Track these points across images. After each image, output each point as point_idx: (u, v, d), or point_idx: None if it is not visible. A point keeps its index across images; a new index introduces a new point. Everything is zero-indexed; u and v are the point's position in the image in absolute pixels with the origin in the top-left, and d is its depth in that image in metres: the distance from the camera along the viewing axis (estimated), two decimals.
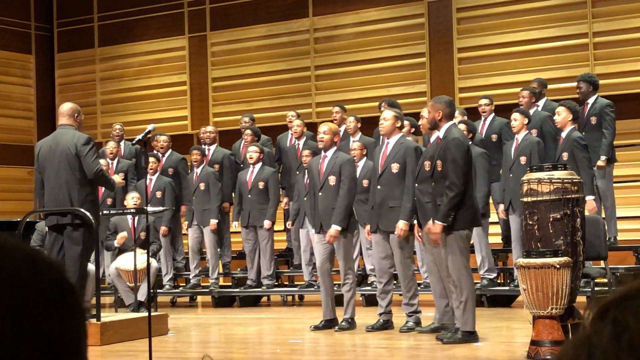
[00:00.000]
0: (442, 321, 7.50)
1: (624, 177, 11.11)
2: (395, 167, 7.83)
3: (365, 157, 9.08)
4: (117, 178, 8.38)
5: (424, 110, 7.44)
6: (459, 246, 6.86)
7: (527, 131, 9.39)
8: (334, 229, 8.00)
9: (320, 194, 8.25)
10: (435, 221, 6.84)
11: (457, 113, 9.96)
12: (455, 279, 6.86)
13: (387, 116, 7.99)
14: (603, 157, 9.48)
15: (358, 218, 8.84)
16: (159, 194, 11.18)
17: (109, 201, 10.93)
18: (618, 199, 10.20)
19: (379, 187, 7.89)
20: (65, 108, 8.02)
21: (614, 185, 10.02)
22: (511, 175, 9.30)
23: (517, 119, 9.36)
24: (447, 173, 6.85)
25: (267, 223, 10.71)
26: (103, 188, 10.58)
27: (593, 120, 9.72)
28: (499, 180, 9.90)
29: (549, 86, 10.93)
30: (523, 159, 9.15)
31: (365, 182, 8.74)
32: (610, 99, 10.19)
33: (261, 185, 10.75)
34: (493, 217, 10.00)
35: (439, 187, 6.92)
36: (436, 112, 7.07)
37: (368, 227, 8.13)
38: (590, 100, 9.85)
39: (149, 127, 6.42)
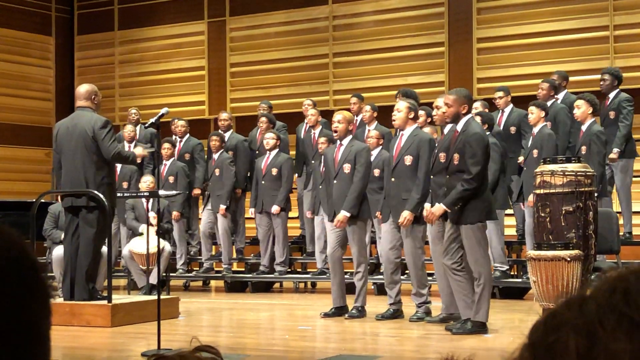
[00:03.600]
0: (449, 310, 7.49)
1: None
2: (408, 160, 7.81)
3: (381, 147, 9.04)
4: (139, 150, 8.36)
5: (438, 100, 7.38)
6: (476, 238, 6.84)
7: (544, 123, 9.33)
8: (343, 214, 8.01)
9: (334, 182, 8.25)
10: (441, 204, 6.84)
11: (478, 104, 9.94)
12: (474, 270, 6.86)
13: (401, 107, 7.95)
14: (616, 150, 9.41)
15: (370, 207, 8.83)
16: (171, 179, 11.24)
17: (125, 185, 10.98)
18: (634, 194, 10.12)
19: (392, 179, 7.88)
20: (82, 90, 8.04)
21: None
22: (525, 168, 9.28)
23: (533, 112, 9.30)
24: (466, 167, 6.80)
25: (275, 208, 10.73)
26: (119, 171, 10.67)
27: (612, 114, 9.64)
28: (517, 172, 9.86)
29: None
30: (535, 152, 9.09)
31: (376, 172, 8.70)
32: (630, 92, 10.10)
33: (274, 171, 10.77)
34: (508, 210, 9.95)
35: (454, 181, 6.90)
36: (460, 106, 6.99)
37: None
38: (612, 95, 9.78)
39: (162, 110, 6.43)
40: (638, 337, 0.77)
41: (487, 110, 9.88)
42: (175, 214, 11.11)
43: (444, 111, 7.12)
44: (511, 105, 10.39)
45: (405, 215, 7.61)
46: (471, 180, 6.77)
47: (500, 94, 10.40)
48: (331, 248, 8.28)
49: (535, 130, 9.30)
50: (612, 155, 9.41)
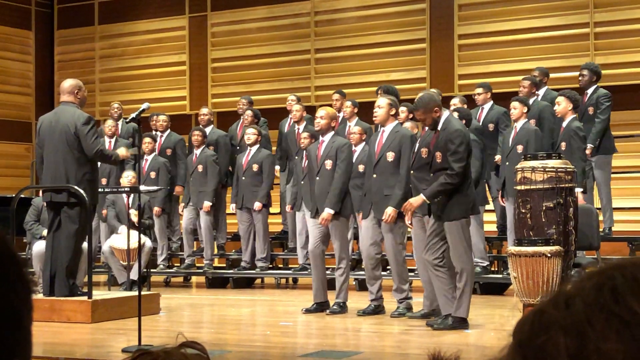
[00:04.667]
0: (432, 307, 7.51)
1: (621, 168, 11.09)
2: (390, 156, 7.81)
3: (364, 142, 9.04)
4: (123, 151, 8.31)
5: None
6: (459, 234, 6.84)
7: (526, 120, 9.36)
8: (327, 212, 8.01)
9: (317, 178, 8.25)
10: (421, 194, 6.83)
11: (457, 100, 9.96)
12: (457, 266, 6.86)
13: (382, 104, 7.97)
14: (589, 145, 9.47)
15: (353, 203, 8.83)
16: (152, 175, 11.21)
17: (103, 181, 10.92)
18: (614, 190, 10.19)
19: (374, 175, 7.87)
20: (66, 85, 8.01)
21: (611, 175, 10.00)
22: (507, 163, 9.28)
23: (516, 108, 9.31)
24: (449, 164, 6.79)
25: (257, 205, 10.71)
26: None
27: (590, 110, 9.69)
28: (495, 169, 9.89)
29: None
30: (520, 148, 9.11)
31: (361, 167, 8.68)
32: (610, 89, 10.16)
33: (255, 167, 10.75)
34: (488, 206, 10.00)
35: (437, 179, 6.89)
36: (431, 112, 6.96)
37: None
38: (590, 90, 9.82)
39: (143, 105, 6.41)
40: (628, 337, 0.76)
41: (465, 106, 9.90)
42: (156, 209, 11.08)
43: (424, 125, 7.13)
44: (491, 102, 10.41)
45: (389, 212, 7.61)
46: (454, 175, 6.77)
47: (480, 90, 10.40)
48: (313, 244, 8.28)
49: (518, 126, 9.32)
50: (586, 151, 9.46)
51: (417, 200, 6.88)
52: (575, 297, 0.80)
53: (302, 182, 9.51)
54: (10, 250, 0.88)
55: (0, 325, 0.85)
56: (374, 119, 8.09)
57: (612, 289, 0.79)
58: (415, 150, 7.33)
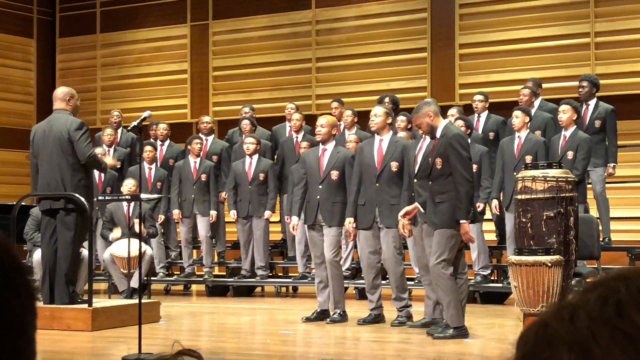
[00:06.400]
0: (433, 316, 7.50)
1: (621, 177, 11.09)
2: (394, 166, 7.79)
3: None
4: (110, 160, 8.34)
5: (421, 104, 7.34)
6: (447, 242, 6.85)
7: (529, 130, 9.35)
8: (348, 221, 7.92)
9: (320, 187, 8.21)
10: (461, 222, 6.79)
11: (454, 111, 9.97)
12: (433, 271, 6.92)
13: (379, 112, 7.96)
14: (612, 164, 9.53)
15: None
16: (159, 185, 11.24)
17: (108, 190, 10.93)
18: (614, 200, 10.19)
19: (377, 184, 7.84)
20: (58, 92, 8.04)
21: (611, 185, 10.02)
22: (515, 173, 9.28)
23: (518, 117, 9.30)
24: (454, 169, 6.77)
25: (267, 213, 10.75)
26: (103, 177, 10.66)
27: (597, 123, 9.68)
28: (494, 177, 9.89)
29: (549, 85, 10.91)
30: (529, 158, 9.07)
31: None
32: (610, 99, 10.17)
33: (262, 176, 10.76)
34: (487, 214, 10.00)
35: (438, 186, 6.89)
36: (424, 118, 6.96)
37: (349, 224, 7.94)
38: (592, 102, 9.82)
39: (145, 114, 6.41)
40: (633, 353, 0.75)
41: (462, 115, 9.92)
42: (161, 217, 11.11)
43: (421, 131, 7.16)
44: (486, 111, 10.42)
45: (404, 223, 7.47)
46: (463, 180, 6.76)
47: (480, 97, 10.43)
48: (332, 252, 8.18)
49: (522, 135, 9.30)
50: (611, 170, 9.51)
51: (465, 227, 6.80)
52: (579, 310, 0.80)
53: (301, 190, 9.49)
54: (13, 257, 0.88)
55: (4, 332, 0.86)
56: (371, 127, 8.07)
57: (616, 303, 0.78)
58: (415, 159, 7.33)
